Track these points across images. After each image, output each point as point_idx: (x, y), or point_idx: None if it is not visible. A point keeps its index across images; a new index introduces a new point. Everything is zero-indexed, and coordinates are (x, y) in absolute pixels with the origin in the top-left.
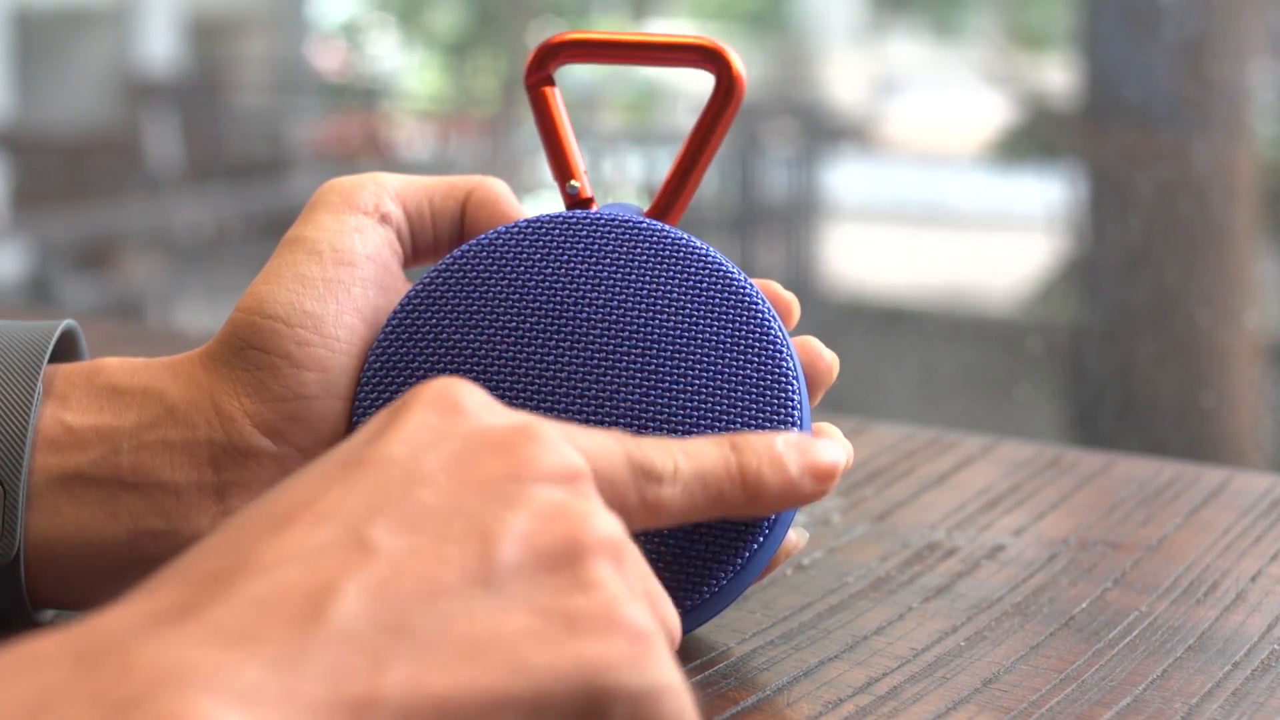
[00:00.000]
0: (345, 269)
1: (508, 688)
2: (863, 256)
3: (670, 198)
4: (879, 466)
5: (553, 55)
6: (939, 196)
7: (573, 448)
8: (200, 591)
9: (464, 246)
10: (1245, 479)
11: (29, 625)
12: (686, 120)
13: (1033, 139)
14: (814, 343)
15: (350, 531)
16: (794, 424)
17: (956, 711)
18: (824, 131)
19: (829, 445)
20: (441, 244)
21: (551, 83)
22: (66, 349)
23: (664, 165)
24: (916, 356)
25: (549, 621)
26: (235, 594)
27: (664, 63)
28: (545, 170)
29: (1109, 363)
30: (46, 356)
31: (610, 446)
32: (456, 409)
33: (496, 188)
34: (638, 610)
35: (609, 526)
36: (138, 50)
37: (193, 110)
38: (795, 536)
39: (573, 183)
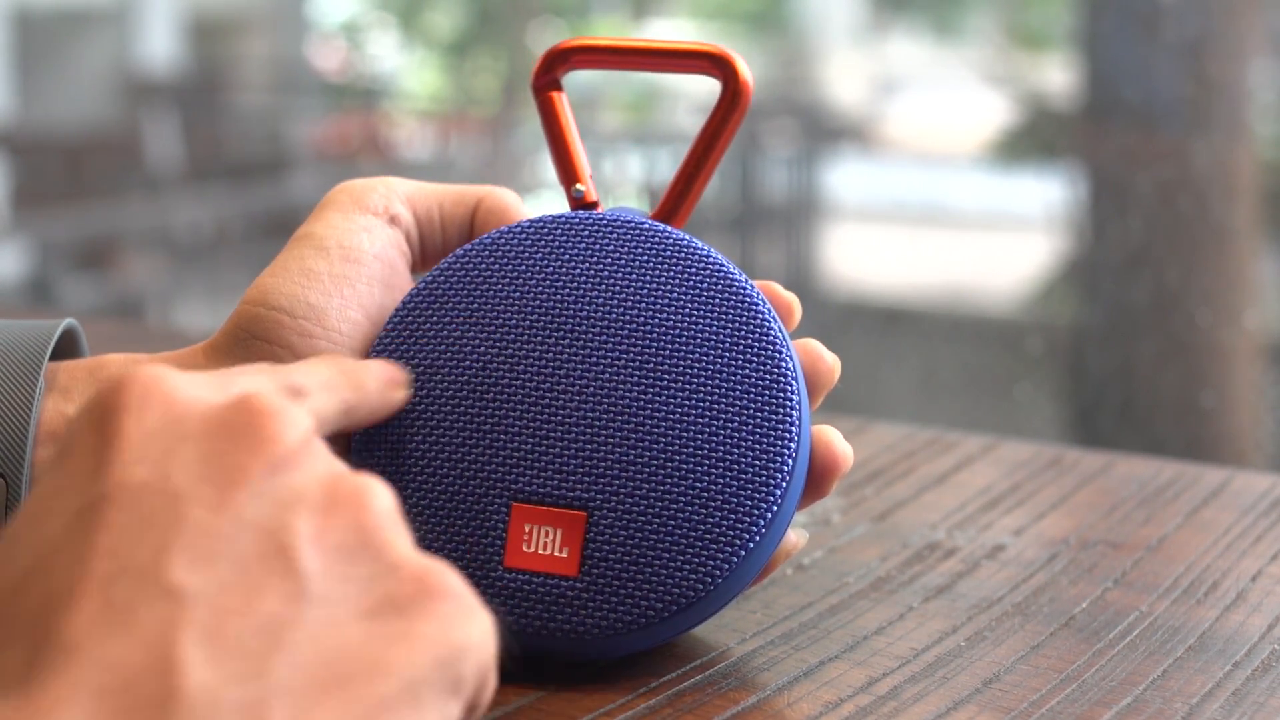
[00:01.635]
0: (352, 265)
1: (383, 697)
2: (863, 256)
3: (675, 202)
4: (879, 466)
5: (560, 61)
6: (939, 196)
7: (291, 404)
8: (32, 699)
9: (467, 245)
10: (1245, 479)
11: None
12: (687, 120)
13: (1033, 139)
14: (815, 345)
15: (150, 582)
16: (792, 423)
17: (957, 711)
18: (824, 131)
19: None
20: (450, 249)
21: (559, 87)
22: (67, 348)
23: (664, 165)
24: (916, 356)
25: (382, 617)
26: (73, 693)
27: (671, 69)
28: (546, 170)
29: (1109, 363)
30: (48, 353)
31: (265, 377)
32: (167, 400)
33: (506, 197)
34: (443, 573)
35: (381, 495)
36: (138, 50)
37: (193, 110)
38: (795, 537)
39: (578, 186)
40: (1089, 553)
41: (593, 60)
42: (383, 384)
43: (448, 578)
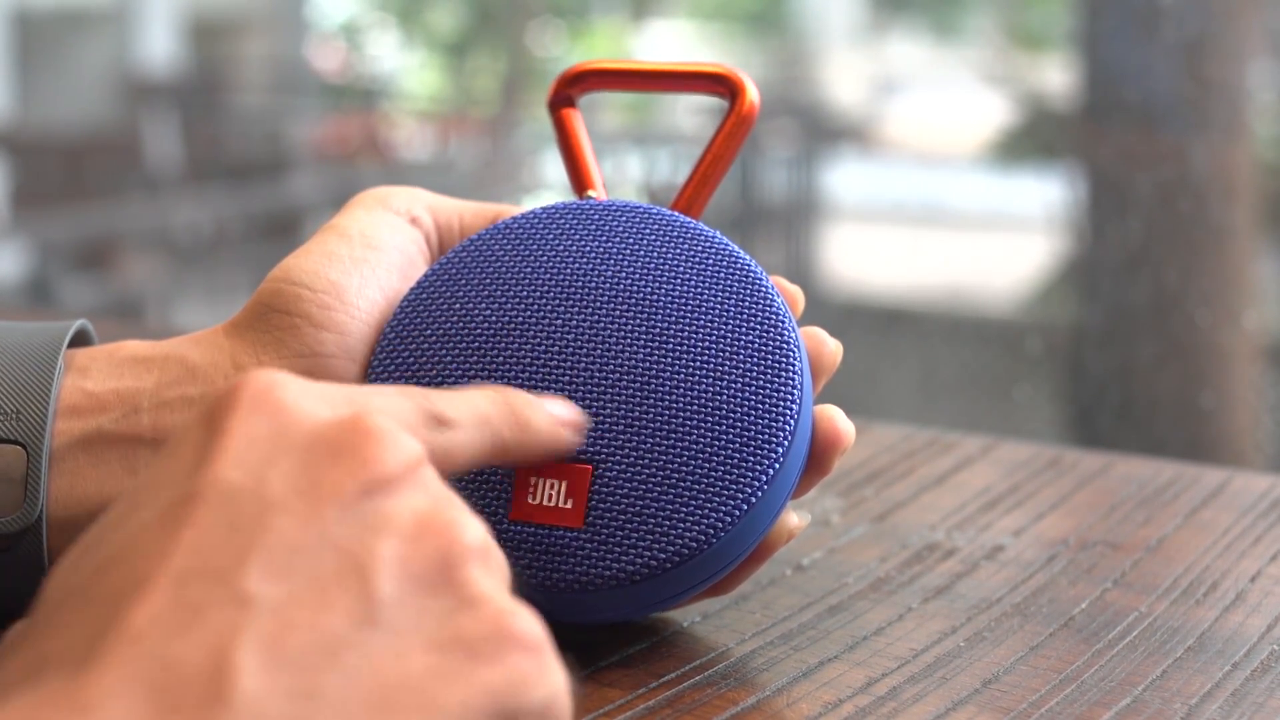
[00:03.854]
0: (372, 251)
1: None
2: (862, 257)
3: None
4: (879, 467)
5: (575, 82)
6: (938, 197)
7: (403, 430)
8: (85, 679)
9: (481, 231)
10: (1245, 479)
11: None
12: (687, 121)
13: (1032, 139)
14: (818, 331)
15: (223, 586)
16: (794, 386)
17: (956, 712)
18: (823, 132)
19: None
20: None
21: (573, 104)
22: (79, 346)
23: (664, 166)
24: (916, 357)
25: (448, 654)
26: (124, 680)
27: (680, 89)
28: (545, 171)
29: (1108, 363)
30: (66, 340)
31: (404, 400)
32: (278, 408)
33: None
34: (525, 620)
35: (473, 530)
36: (137, 50)
37: (192, 110)
38: (796, 518)
39: (589, 193)
40: (1088, 553)
41: (605, 82)
42: (554, 423)
43: (529, 626)
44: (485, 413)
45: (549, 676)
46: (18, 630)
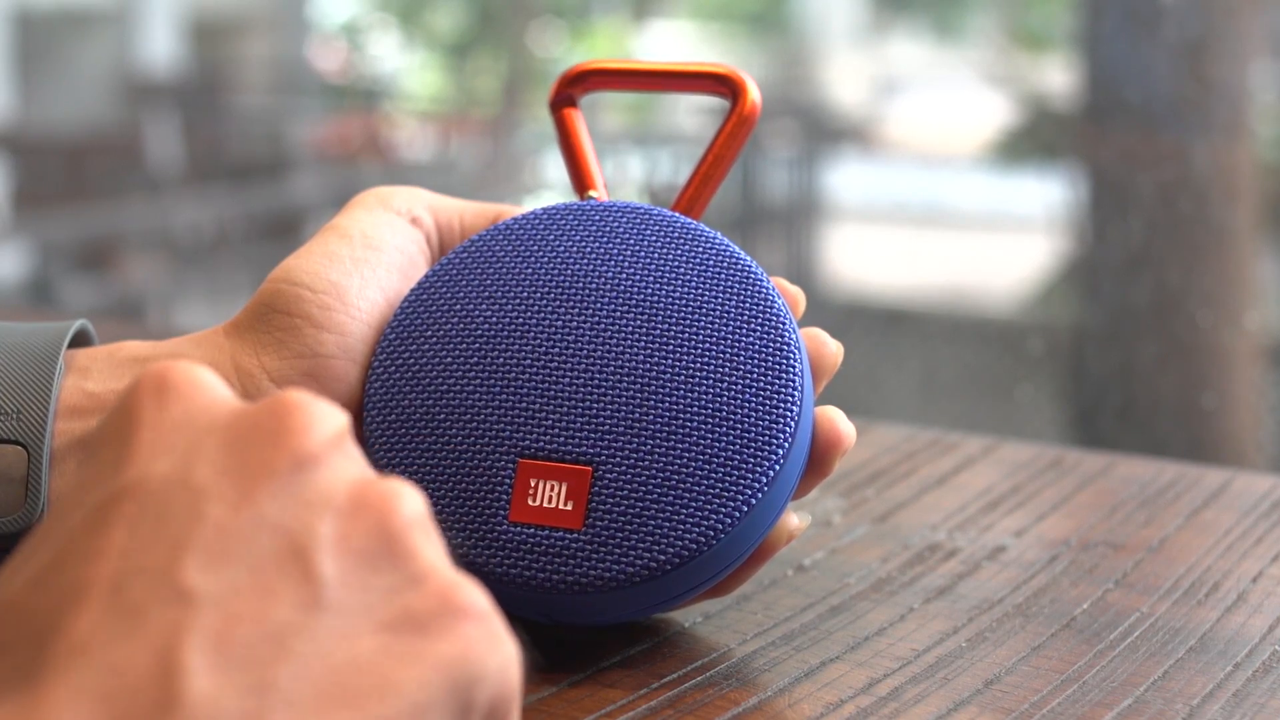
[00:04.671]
0: (373, 252)
1: (385, 715)
2: (863, 257)
3: (684, 212)
4: (880, 467)
5: (577, 82)
6: (940, 197)
7: (329, 404)
8: (32, 697)
9: (482, 231)
10: (1246, 480)
11: None
12: (688, 121)
13: (1033, 140)
14: (819, 332)
15: (162, 583)
16: (795, 387)
17: (958, 712)
18: (824, 132)
19: None
20: None
21: (574, 104)
22: (81, 345)
23: (665, 166)
24: (917, 357)
25: (398, 631)
26: (73, 693)
27: (682, 89)
28: (546, 171)
29: (1110, 364)
30: (66, 340)
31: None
32: (190, 392)
33: None
34: (470, 590)
35: (411, 500)
36: (138, 51)
37: (193, 111)
38: (797, 519)
39: (591, 193)
40: (1090, 554)
41: (606, 82)
42: None
43: (474, 596)
44: None
45: (500, 645)
46: None
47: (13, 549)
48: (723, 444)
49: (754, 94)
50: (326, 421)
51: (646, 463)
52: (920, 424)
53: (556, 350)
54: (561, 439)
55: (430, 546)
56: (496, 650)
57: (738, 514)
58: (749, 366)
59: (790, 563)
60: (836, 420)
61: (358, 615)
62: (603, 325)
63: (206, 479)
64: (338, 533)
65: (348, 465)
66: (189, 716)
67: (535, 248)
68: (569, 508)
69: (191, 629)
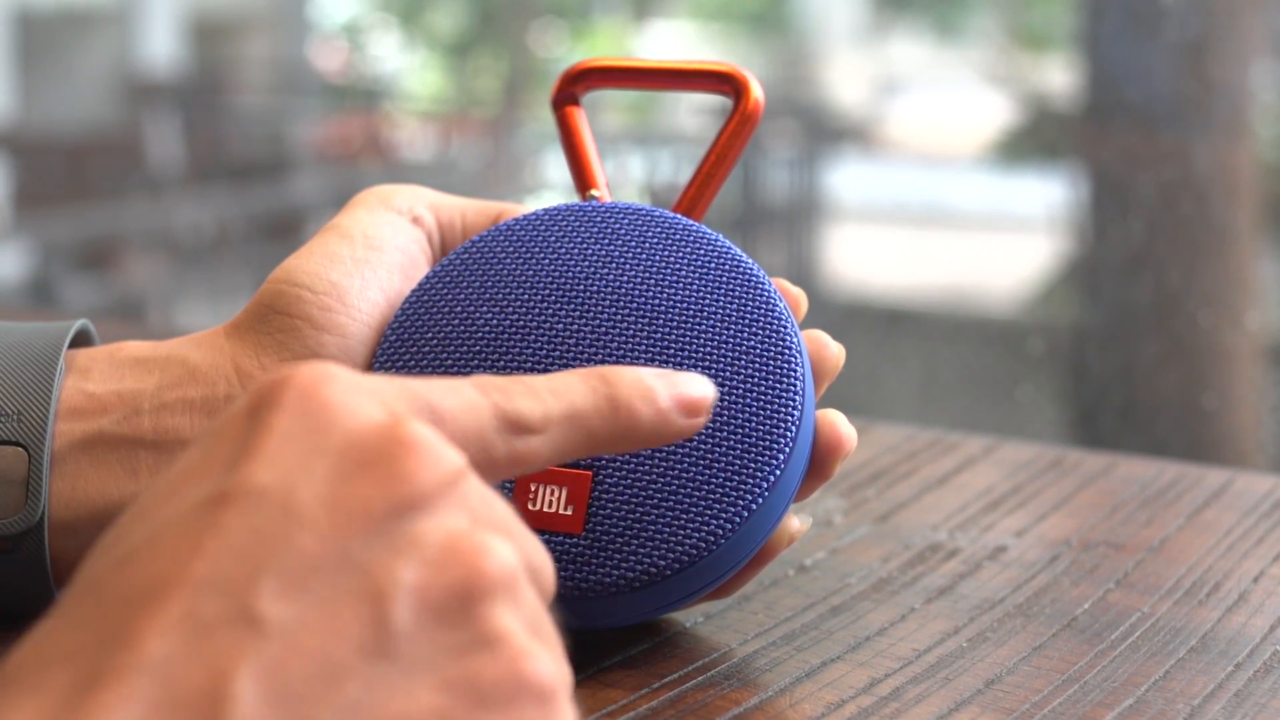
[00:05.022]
0: (374, 252)
1: None
2: (864, 257)
3: (686, 212)
4: (881, 467)
5: (579, 80)
6: (940, 197)
7: (447, 443)
8: (90, 696)
9: (483, 232)
10: (1247, 480)
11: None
12: (689, 121)
13: (1034, 140)
14: (820, 335)
15: (236, 604)
16: (796, 392)
17: (959, 712)
18: (825, 132)
19: (697, 380)
20: None
21: (576, 103)
22: (82, 346)
23: (666, 166)
24: (918, 357)
25: (456, 696)
26: (125, 696)
27: (685, 88)
28: (547, 171)
29: (1111, 364)
30: (67, 340)
31: (477, 401)
32: (322, 406)
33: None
34: (544, 663)
35: (502, 559)
36: (139, 51)
37: (194, 111)
38: (798, 522)
39: (592, 192)
40: (1091, 554)
41: (609, 80)
42: (662, 413)
43: (547, 672)
44: (576, 409)
45: None
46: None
47: (13, 550)
48: (723, 448)
49: (757, 92)
50: (439, 466)
51: (647, 467)
52: (921, 424)
53: (557, 353)
54: None
55: (512, 610)
56: None
57: (738, 519)
58: (750, 370)
59: (791, 563)
60: (838, 424)
61: (420, 670)
62: (603, 328)
63: (305, 504)
64: (419, 583)
65: (450, 516)
66: None
67: (536, 249)
68: (569, 512)
69: (251, 656)
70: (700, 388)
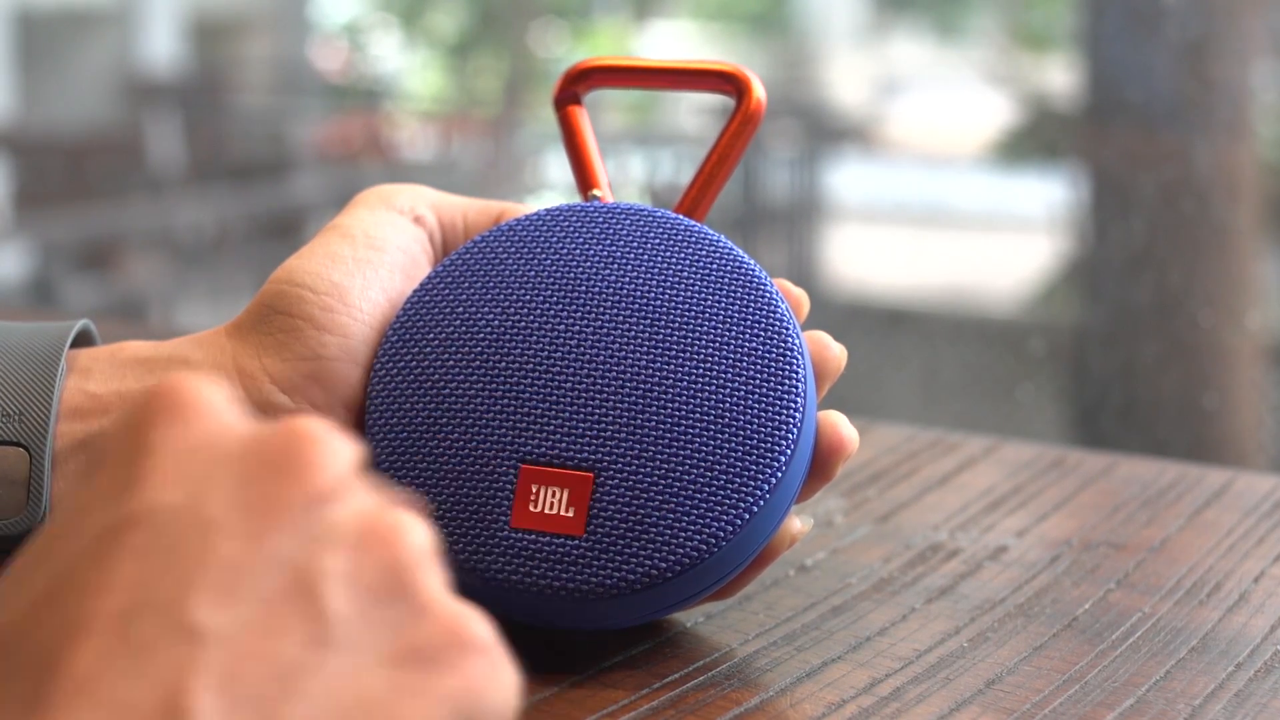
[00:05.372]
0: (375, 252)
1: None
2: (865, 257)
3: (688, 212)
4: (882, 468)
5: (580, 79)
6: (941, 197)
7: (341, 435)
8: None
9: (484, 233)
10: (1248, 480)
11: None
12: (690, 122)
13: (1035, 140)
14: (822, 335)
15: (170, 619)
16: (798, 393)
17: (960, 712)
18: (826, 132)
19: None
20: None
21: (578, 102)
22: (83, 346)
23: (667, 167)
24: (919, 357)
25: (405, 667)
26: None
27: (686, 87)
28: (547, 171)
29: (1111, 364)
30: (68, 341)
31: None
32: (204, 416)
33: (527, 210)
34: (476, 622)
35: (418, 532)
36: (139, 51)
37: (195, 111)
38: (799, 523)
39: (594, 191)
40: (1091, 554)
41: (610, 79)
42: None
43: (479, 628)
44: None
45: (504, 677)
46: None
47: (15, 551)
48: (725, 450)
49: (759, 91)
50: (339, 455)
51: (648, 469)
52: (922, 424)
53: (559, 355)
54: (563, 445)
55: (433, 578)
56: (500, 683)
57: (740, 521)
58: (752, 372)
59: (792, 563)
60: (839, 425)
61: (365, 651)
62: (605, 330)
63: (218, 512)
64: (346, 568)
65: (358, 499)
66: None
67: (538, 250)
68: (570, 514)
69: (200, 668)
70: None
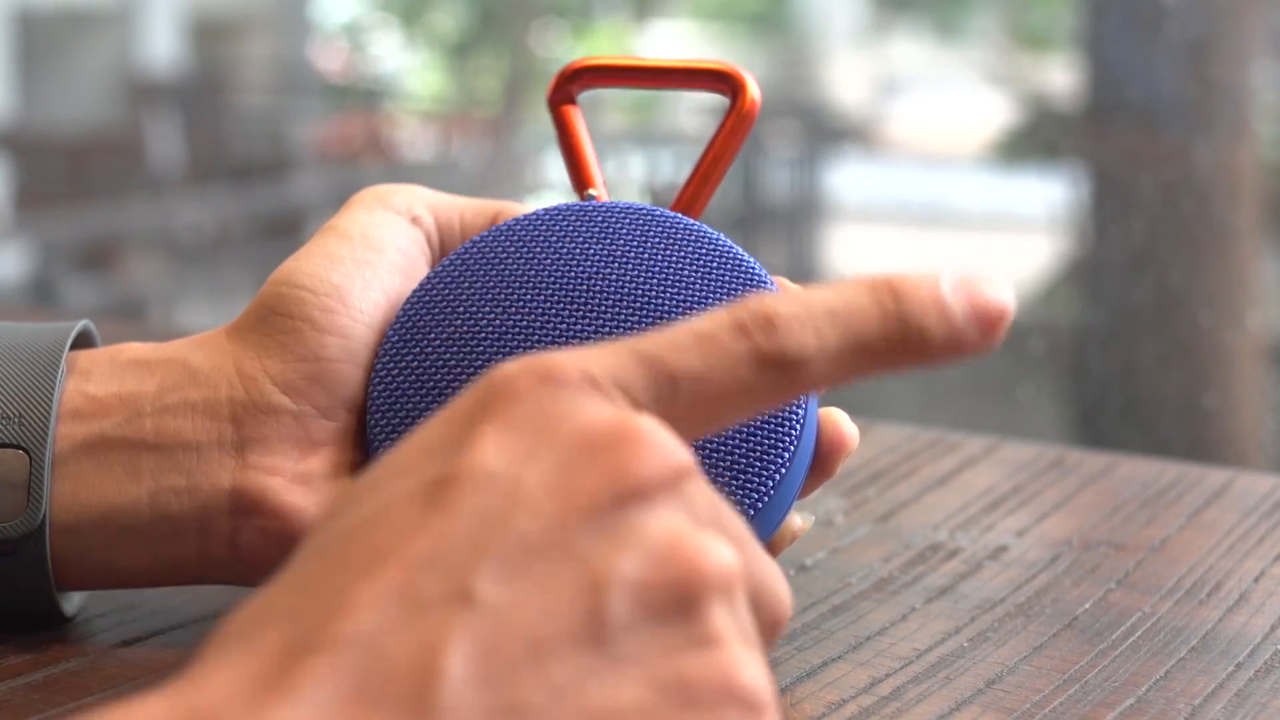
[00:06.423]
0: (374, 253)
1: None
2: (865, 257)
3: (683, 210)
4: (882, 467)
5: (575, 79)
6: (941, 197)
7: (675, 442)
8: (300, 661)
9: (484, 232)
10: (1248, 480)
11: (54, 611)
12: (689, 121)
13: (1035, 139)
14: None
15: (454, 582)
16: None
17: (960, 712)
18: (826, 132)
19: (994, 286)
20: None
21: (573, 101)
22: (83, 347)
23: (666, 166)
24: None
25: (663, 694)
26: (337, 672)
27: (681, 86)
28: (547, 171)
29: (1112, 363)
30: (68, 342)
31: (727, 349)
32: (554, 398)
33: (525, 210)
34: (754, 673)
35: (723, 560)
36: (140, 51)
37: (195, 111)
38: (800, 520)
39: (590, 191)
40: (1092, 554)
41: (605, 79)
42: (958, 328)
43: (757, 682)
44: (858, 338)
45: None
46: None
47: (15, 553)
48: (728, 446)
49: (753, 91)
50: (664, 460)
51: None
52: (922, 424)
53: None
54: None
55: (729, 614)
56: None
57: (744, 515)
58: None
59: (792, 562)
60: (841, 422)
61: (630, 664)
62: (605, 326)
63: (531, 492)
64: (638, 577)
65: (672, 513)
66: (431, 717)
67: (537, 248)
68: None
69: (464, 633)
70: (998, 293)
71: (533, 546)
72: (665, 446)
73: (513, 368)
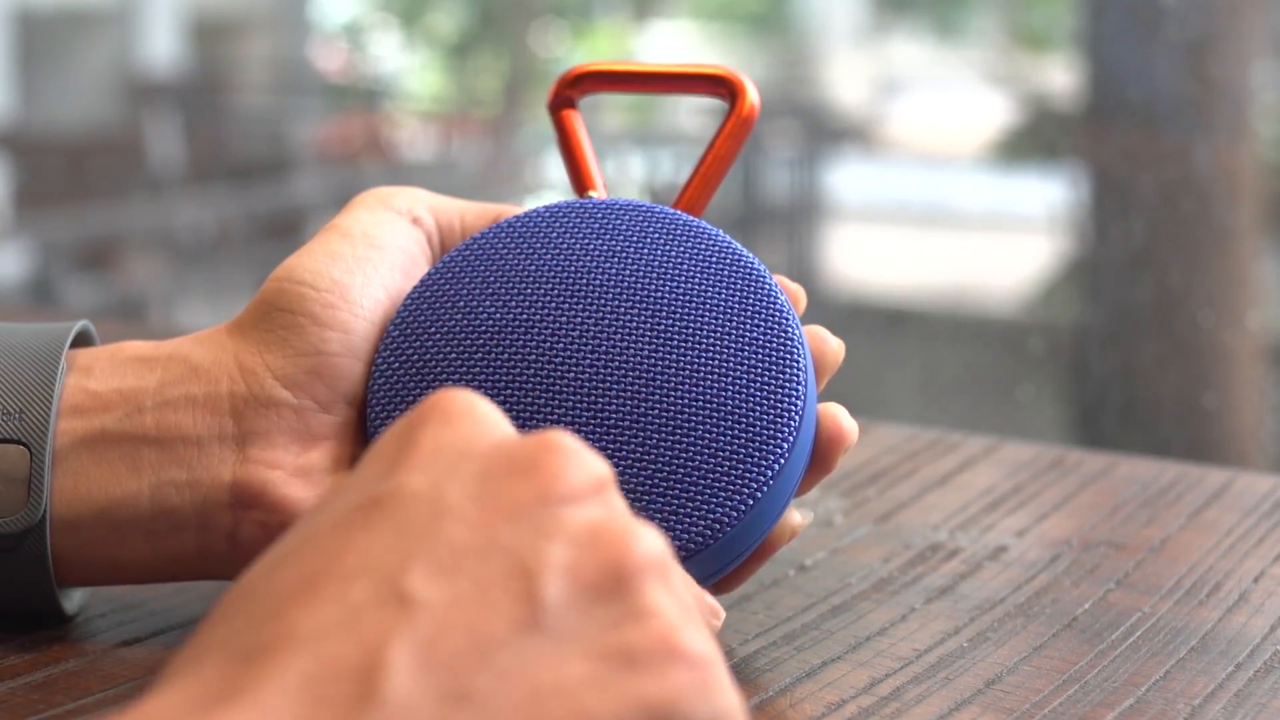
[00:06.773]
0: (375, 250)
1: None
2: (865, 257)
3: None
4: (882, 467)
5: (575, 84)
6: (941, 197)
7: (594, 455)
8: (244, 670)
9: (485, 229)
10: (1248, 480)
11: (55, 611)
12: (690, 122)
13: (1035, 140)
14: (821, 329)
15: (386, 586)
16: (799, 386)
17: (959, 712)
18: (826, 132)
19: None
20: None
21: (573, 106)
22: (83, 346)
23: (666, 166)
24: (919, 357)
25: (607, 663)
26: (282, 673)
27: (680, 91)
28: (547, 171)
29: (1111, 363)
30: (68, 341)
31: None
32: (471, 421)
33: None
34: (695, 634)
35: (651, 542)
36: (140, 51)
37: (195, 111)
38: (799, 516)
39: (590, 194)
40: (1091, 554)
41: (605, 84)
42: None
43: (697, 641)
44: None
45: (715, 695)
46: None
47: (15, 549)
48: (726, 439)
49: (752, 95)
50: (586, 470)
51: (650, 458)
52: (922, 424)
53: (559, 348)
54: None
55: (662, 589)
56: (710, 699)
57: (742, 509)
58: (753, 362)
59: (792, 562)
60: (839, 416)
61: (571, 642)
62: (606, 322)
63: (454, 500)
64: (568, 561)
65: (595, 508)
66: (384, 712)
67: (538, 244)
68: None
69: (404, 631)
70: None
71: (461, 548)
72: (585, 458)
73: (431, 400)
